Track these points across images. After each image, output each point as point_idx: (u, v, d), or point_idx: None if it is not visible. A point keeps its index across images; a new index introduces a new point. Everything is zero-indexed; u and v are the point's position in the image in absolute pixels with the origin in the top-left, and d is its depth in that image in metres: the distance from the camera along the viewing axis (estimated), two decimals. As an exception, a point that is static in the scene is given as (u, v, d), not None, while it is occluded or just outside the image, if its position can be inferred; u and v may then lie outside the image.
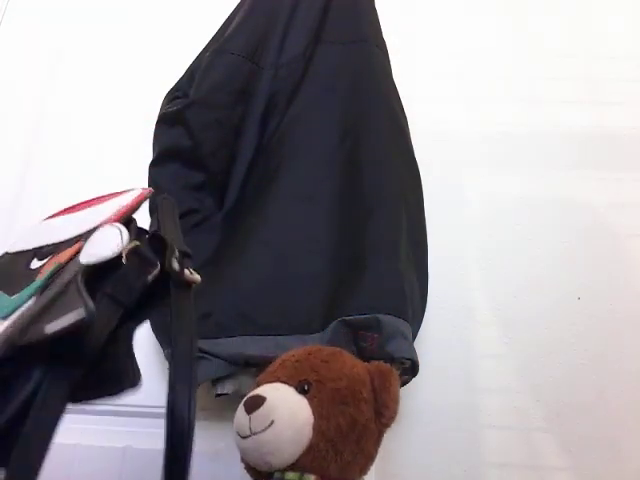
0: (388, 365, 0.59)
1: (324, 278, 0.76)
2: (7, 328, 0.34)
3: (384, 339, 0.68)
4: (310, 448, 0.51)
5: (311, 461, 0.51)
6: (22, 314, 0.36)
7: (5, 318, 0.37)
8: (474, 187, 1.02)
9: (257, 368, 0.74)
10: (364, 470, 0.56)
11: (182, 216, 0.86)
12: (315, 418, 0.52)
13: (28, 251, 0.47)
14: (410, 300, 0.73)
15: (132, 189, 0.47)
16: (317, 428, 0.52)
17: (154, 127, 0.94)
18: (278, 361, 0.60)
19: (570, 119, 1.06)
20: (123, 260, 0.37)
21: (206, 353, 0.72)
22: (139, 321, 0.43)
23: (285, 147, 0.87)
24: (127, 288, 0.38)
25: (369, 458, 0.56)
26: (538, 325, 0.90)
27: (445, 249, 0.95)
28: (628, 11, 1.15)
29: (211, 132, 0.88)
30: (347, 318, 0.70)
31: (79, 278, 0.35)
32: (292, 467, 0.51)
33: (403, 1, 1.19)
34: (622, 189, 0.99)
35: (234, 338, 0.73)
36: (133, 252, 0.38)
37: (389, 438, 0.84)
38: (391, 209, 0.79)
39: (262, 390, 0.54)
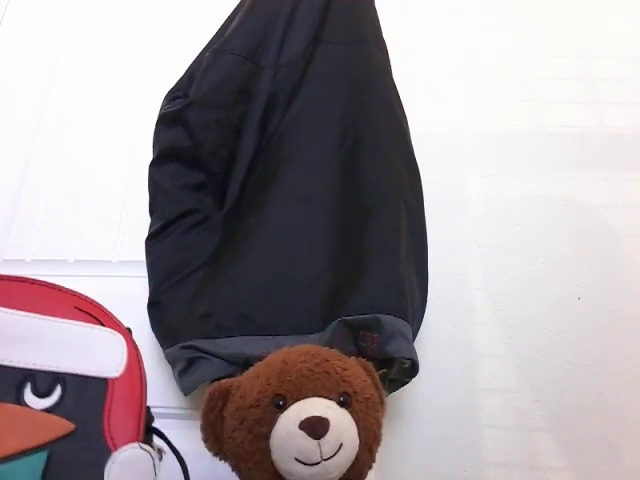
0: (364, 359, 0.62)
1: (324, 278, 0.76)
2: None
3: (384, 339, 0.68)
4: (355, 460, 0.51)
5: (353, 471, 0.51)
6: None
7: None
8: (474, 187, 1.02)
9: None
10: None
11: (182, 216, 0.86)
12: (359, 430, 0.52)
13: None
14: (410, 300, 0.73)
15: (102, 323, 0.38)
16: (362, 440, 0.52)
17: (154, 127, 0.94)
18: (293, 370, 0.55)
19: (570, 119, 1.06)
20: None
21: (206, 353, 0.72)
22: None
23: (285, 147, 0.87)
24: None
25: None
26: (538, 325, 0.90)
27: (445, 249, 0.95)
28: (628, 11, 1.15)
29: (211, 132, 0.88)
30: (347, 318, 0.70)
31: None
32: None
33: (403, 1, 1.19)
34: (622, 189, 0.99)
35: (234, 338, 0.73)
36: None
37: (389, 438, 0.84)
38: (391, 209, 0.79)
39: (318, 410, 0.51)
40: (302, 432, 0.49)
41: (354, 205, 0.80)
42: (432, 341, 0.88)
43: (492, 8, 1.17)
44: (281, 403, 0.53)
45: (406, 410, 0.85)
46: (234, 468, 0.56)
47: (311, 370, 0.54)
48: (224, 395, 0.58)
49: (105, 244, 1.00)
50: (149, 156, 0.92)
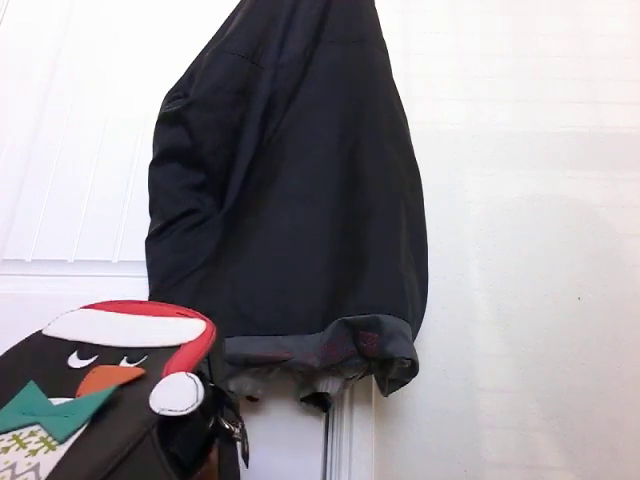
0: None
1: (324, 278, 0.76)
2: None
3: (384, 339, 0.68)
4: None
5: None
6: (93, 465, 0.34)
7: (62, 442, 0.36)
8: (474, 187, 1.02)
9: (257, 368, 0.74)
10: None
11: (182, 216, 0.86)
12: None
13: (65, 341, 0.49)
14: (410, 300, 0.73)
15: (191, 317, 0.51)
16: None
17: (154, 127, 0.94)
18: None
19: (570, 119, 1.06)
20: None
21: (206, 353, 0.72)
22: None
23: (285, 147, 0.87)
24: (189, 446, 0.38)
25: None
26: (538, 325, 0.90)
27: (445, 249, 0.95)
28: (628, 11, 1.15)
29: (211, 132, 0.88)
30: (347, 318, 0.70)
31: (156, 439, 0.35)
32: None
33: (403, 1, 1.19)
34: (622, 189, 0.99)
35: (234, 338, 0.73)
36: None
37: (389, 437, 0.84)
38: (391, 209, 0.79)
39: None
40: None
41: (354, 205, 0.80)
42: (432, 341, 0.88)
43: (492, 8, 1.17)
44: None
45: (406, 410, 0.85)
46: None
47: None
48: None
49: (105, 244, 1.00)
50: (149, 156, 0.92)
